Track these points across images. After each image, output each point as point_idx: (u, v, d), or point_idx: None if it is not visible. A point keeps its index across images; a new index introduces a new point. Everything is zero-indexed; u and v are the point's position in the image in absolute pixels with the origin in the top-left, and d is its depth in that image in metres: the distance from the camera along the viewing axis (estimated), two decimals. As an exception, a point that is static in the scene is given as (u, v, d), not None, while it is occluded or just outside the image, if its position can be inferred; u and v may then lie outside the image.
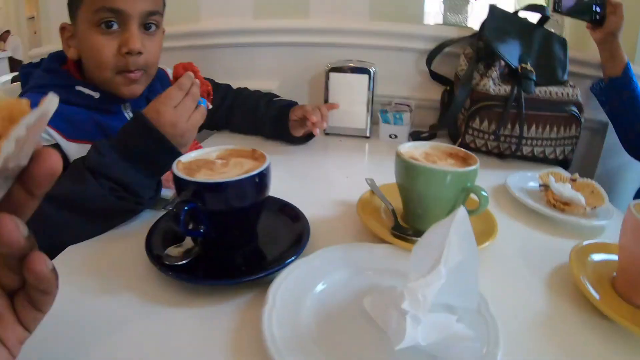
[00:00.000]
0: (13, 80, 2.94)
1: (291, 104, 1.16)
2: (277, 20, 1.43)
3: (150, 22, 0.86)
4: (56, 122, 0.80)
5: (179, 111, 0.71)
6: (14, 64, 5.20)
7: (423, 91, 1.41)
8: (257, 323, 0.47)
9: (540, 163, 1.11)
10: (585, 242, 0.65)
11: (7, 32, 5.62)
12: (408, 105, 1.27)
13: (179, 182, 0.57)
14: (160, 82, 1.05)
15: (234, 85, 1.28)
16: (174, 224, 0.56)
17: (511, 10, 1.25)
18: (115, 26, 0.81)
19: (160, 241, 0.63)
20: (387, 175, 0.78)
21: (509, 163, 1.11)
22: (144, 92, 0.94)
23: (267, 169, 0.59)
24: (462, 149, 0.70)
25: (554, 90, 1.10)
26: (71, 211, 0.66)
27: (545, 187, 0.85)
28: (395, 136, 1.23)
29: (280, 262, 0.57)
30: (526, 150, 1.10)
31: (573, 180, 0.87)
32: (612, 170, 1.42)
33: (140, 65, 0.86)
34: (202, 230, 0.58)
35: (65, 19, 0.85)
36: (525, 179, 0.94)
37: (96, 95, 0.87)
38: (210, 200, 0.56)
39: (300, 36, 1.42)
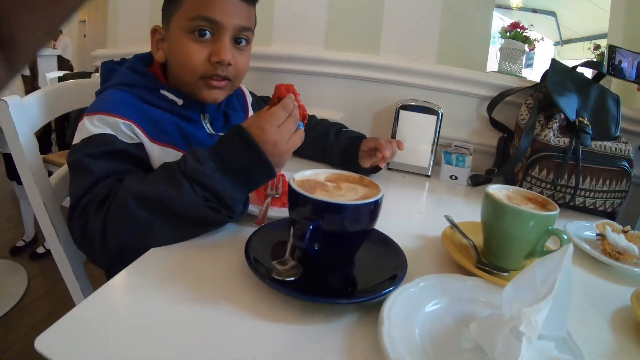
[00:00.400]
0: (61, 78, 3.08)
1: (361, 137, 1.19)
2: (348, 54, 1.49)
3: (241, 37, 0.88)
4: (142, 121, 0.81)
5: (282, 131, 0.71)
6: (62, 62, 5.48)
7: (480, 136, 1.45)
8: (370, 342, 0.51)
9: (589, 214, 1.16)
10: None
11: (60, 31, 5.85)
12: (467, 149, 1.32)
13: (299, 199, 0.58)
14: (236, 98, 1.07)
15: None
16: (298, 239, 0.56)
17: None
18: (208, 35, 0.83)
19: (266, 256, 0.64)
20: (452, 214, 0.84)
21: (561, 212, 1.15)
22: (221, 106, 0.95)
23: (382, 199, 0.61)
24: (540, 195, 0.77)
25: (608, 145, 1.14)
26: (160, 213, 0.66)
27: (602, 236, 0.91)
28: (456, 177, 1.27)
29: (385, 287, 0.58)
30: (578, 201, 1.15)
31: (625, 232, 0.93)
32: (652, 226, 1.46)
33: (230, 73, 0.87)
34: (316, 248, 0.58)
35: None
36: (581, 228, 0.99)
37: (180, 101, 0.88)
38: (328, 220, 0.57)
39: (368, 71, 1.47)
